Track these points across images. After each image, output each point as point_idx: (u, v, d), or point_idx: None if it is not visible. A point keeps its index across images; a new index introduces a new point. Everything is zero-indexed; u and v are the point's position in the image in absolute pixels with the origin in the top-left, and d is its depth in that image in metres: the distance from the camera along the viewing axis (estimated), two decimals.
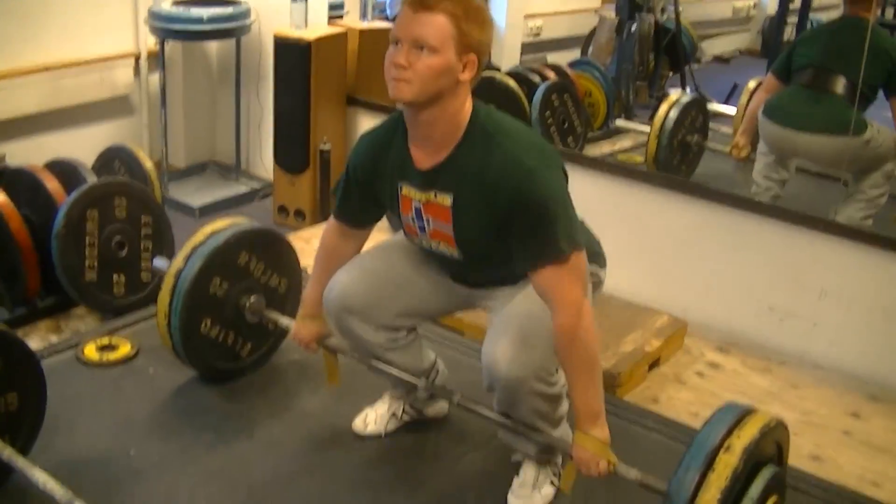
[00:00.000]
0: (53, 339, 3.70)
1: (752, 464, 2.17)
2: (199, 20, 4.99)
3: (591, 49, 6.38)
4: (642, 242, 4.21)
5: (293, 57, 4.89)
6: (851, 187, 4.36)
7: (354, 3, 5.34)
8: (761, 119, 4.54)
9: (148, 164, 4.42)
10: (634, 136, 5.57)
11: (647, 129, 5.12)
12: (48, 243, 3.69)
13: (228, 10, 5.09)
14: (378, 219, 2.77)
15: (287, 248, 3.33)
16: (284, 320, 3.16)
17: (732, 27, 7.23)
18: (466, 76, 2.32)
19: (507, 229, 2.36)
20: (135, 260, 3.92)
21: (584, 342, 2.37)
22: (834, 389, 3.70)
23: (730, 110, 5.57)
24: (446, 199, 2.42)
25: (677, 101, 5.10)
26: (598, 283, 2.70)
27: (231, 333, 3.20)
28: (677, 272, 4.20)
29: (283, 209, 5.09)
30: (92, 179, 4.03)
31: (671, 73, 6.21)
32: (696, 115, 5.16)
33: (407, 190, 2.50)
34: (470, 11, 2.30)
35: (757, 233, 3.99)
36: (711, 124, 5.34)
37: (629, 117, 5.84)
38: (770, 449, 2.31)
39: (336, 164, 4.89)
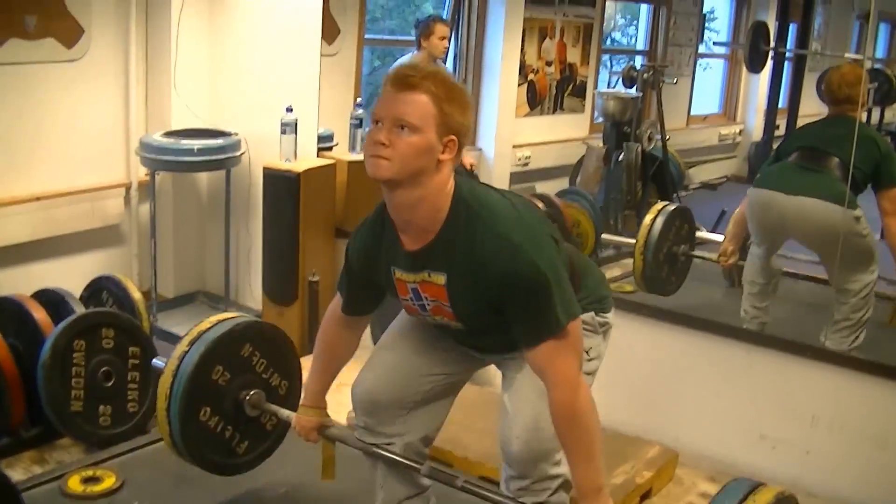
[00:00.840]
0: (37, 470, 3.65)
1: None
2: (190, 152, 5.02)
3: (579, 178, 6.43)
4: (632, 372, 4.19)
5: (282, 188, 4.91)
6: (836, 305, 4.33)
7: (343, 135, 5.40)
8: (751, 193, 4.55)
9: (136, 295, 4.41)
10: (623, 265, 5.57)
11: (632, 241, 5.12)
12: (34, 373, 3.67)
13: (219, 141, 5.14)
14: (376, 306, 2.80)
15: (290, 350, 3.31)
16: (284, 413, 3.12)
17: (719, 154, 7.31)
18: (446, 157, 2.35)
19: (502, 305, 2.37)
20: (121, 391, 3.89)
21: (582, 418, 2.37)
22: None
23: (718, 237, 5.59)
24: (440, 279, 2.44)
25: (662, 209, 5.10)
26: (607, 330, 2.78)
27: (229, 427, 3.14)
28: (667, 401, 4.17)
29: None
30: (80, 310, 4.02)
31: (659, 202, 6.25)
32: (681, 225, 5.15)
33: (399, 274, 2.52)
34: (452, 93, 2.34)
35: (746, 361, 3.98)
36: (701, 251, 5.35)
37: (618, 248, 5.85)
38: None
39: (324, 295, 4.88)
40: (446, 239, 2.40)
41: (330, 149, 5.38)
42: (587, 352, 2.63)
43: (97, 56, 5.17)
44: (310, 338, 4.94)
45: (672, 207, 5.13)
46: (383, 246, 2.56)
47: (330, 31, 5.36)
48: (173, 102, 5.39)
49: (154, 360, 3.31)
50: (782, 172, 4.46)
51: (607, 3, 7.22)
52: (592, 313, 2.71)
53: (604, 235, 5.67)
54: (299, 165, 4.92)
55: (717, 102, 7.56)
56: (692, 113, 7.39)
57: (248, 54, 5.38)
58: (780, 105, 6.31)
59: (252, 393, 3.13)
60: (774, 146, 5.90)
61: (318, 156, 5.18)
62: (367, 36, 5.80)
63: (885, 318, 4.52)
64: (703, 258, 5.18)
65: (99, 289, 4.53)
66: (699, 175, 6.81)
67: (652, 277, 5.00)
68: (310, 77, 5.13)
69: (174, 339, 4.98)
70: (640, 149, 6.15)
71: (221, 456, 3.18)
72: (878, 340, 4.33)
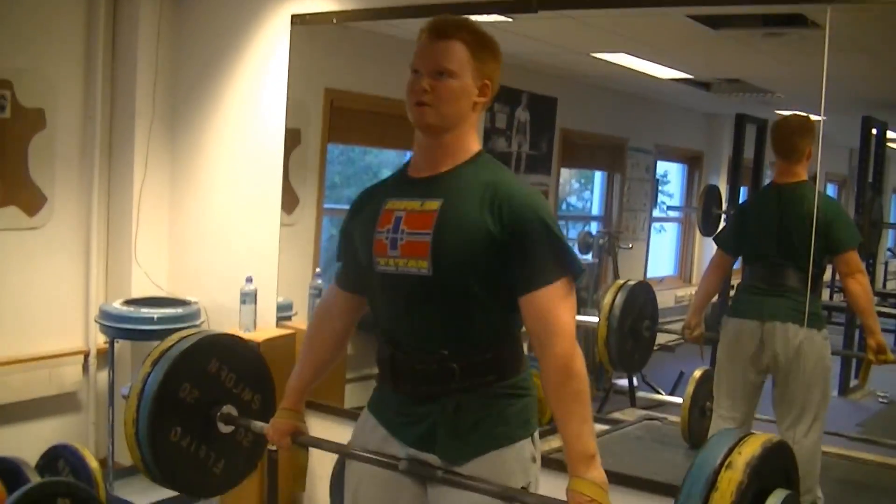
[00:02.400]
0: None
1: (758, 484, 2.07)
2: (150, 320, 5.04)
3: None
4: None
5: None
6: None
7: (302, 304, 5.43)
8: (725, 323, 4.56)
9: (93, 464, 4.39)
10: None
11: (595, 319, 5.12)
12: None
13: (178, 310, 5.16)
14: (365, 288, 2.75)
15: (260, 363, 3.26)
16: (257, 424, 3.03)
17: (675, 316, 7.35)
18: (482, 99, 2.55)
19: (502, 245, 2.40)
20: None
21: (579, 373, 2.38)
22: None
23: (678, 400, 5.60)
24: (434, 204, 2.48)
25: (623, 285, 5.14)
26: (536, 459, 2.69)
27: (203, 447, 3.06)
28: None
29: None
30: (35, 479, 4.00)
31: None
32: (644, 301, 5.21)
33: (392, 203, 2.56)
34: (484, 41, 2.56)
35: None
36: (659, 413, 5.36)
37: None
38: (777, 473, 2.21)
39: (283, 466, 4.82)
40: (462, 172, 2.54)
41: (289, 318, 5.40)
42: (528, 486, 2.59)
43: (59, 224, 5.24)
44: None
45: (633, 283, 5.18)
46: (384, 189, 2.66)
47: (289, 201, 5.43)
48: (133, 271, 5.44)
49: (122, 389, 3.22)
50: (752, 299, 4.48)
51: (562, 170, 7.34)
52: (528, 439, 2.62)
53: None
54: (259, 335, 4.94)
55: (672, 265, 7.64)
56: (648, 276, 7.46)
57: (209, 224, 5.45)
58: (734, 266, 6.40)
59: (224, 408, 3.06)
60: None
61: (277, 325, 5.20)
62: (325, 205, 5.86)
63: (843, 473, 4.51)
64: (667, 331, 5.19)
65: (55, 457, 4.50)
66: (658, 338, 6.87)
67: (617, 349, 5.02)
68: (270, 247, 5.19)
69: None
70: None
71: (197, 476, 3.11)
72: (839, 496, 4.34)
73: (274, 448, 3.19)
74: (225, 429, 3.10)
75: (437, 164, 2.57)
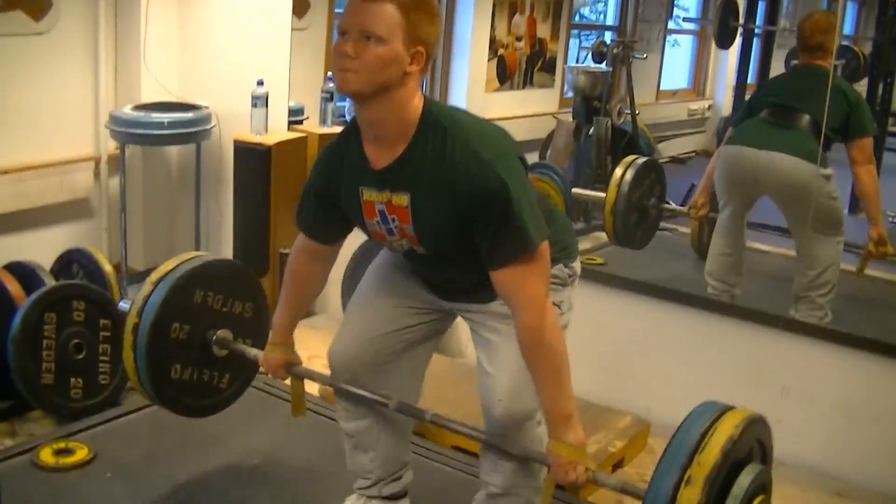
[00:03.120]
0: (8, 443, 3.67)
1: (732, 462, 2.12)
2: (160, 125, 5.00)
3: (549, 153, 6.44)
4: (603, 344, 4.22)
5: (253, 162, 4.91)
6: (801, 275, 4.36)
7: (314, 108, 5.39)
8: (722, 150, 4.60)
9: (107, 268, 4.40)
10: (593, 238, 5.58)
11: (603, 195, 5.10)
12: (5, 346, 3.66)
13: (189, 115, 5.11)
14: (345, 234, 2.76)
15: (242, 273, 3.27)
16: (252, 352, 3.08)
17: (688, 129, 7.33)
18: (414, 68, 2.31)
19: (469, 225, 2.34)
20: (93, 363, 3.89)
21: (551, 342, 2.36)
22: (798, 486, 3.69)
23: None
24: (403, 199, 2.41)
25: (633, 162, 5.09)
26: (573, 277, 2.73)
27: (205, 371, 3.13)
28: (638, 372, 4.21)
29: None
30: (50, 282, 4.01)
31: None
32: (653, 179, 5.15)
33: (367, 194, 2.48)
34: (419, 2, 2.30)
35: (717, 332, 4.02)
36: (670, 225, 5.37)
37: (588, 220, 5.85)
38: (751, 447, 2.25)
39: (300, 200, 4.89)
40: (413, 155, 2.37)
41: (301, 122, 5.38)
42: (559, 305, 2.60)
43: (66, 29, 5.12)
44: None
45: (642, 161, 5.12)
46: (348, 167, 2.52)
47: (300, 4, 5.35)
48: (143, 76, 5.35)
49: (120, 304, 3.25)
50: (754, 128, 4.49)
51: None
52: (561, 265, 2.66)
53: (574, 190, 5.62)
54: (270, 139, 4.91)
55: (686, 78, 7.57)
56: (662, 88, 7.41)
57: (219, 28, 5.35)
58: (748, 81, 6.33)
59: (217, 333, 3.09)
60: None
61: (288, 129, 5.18)
62: (337, 10, 5.76)
63: (852, 290, 4.54)
64: (673, 209, 5.19)
65: (69, 262, 4.53)
66: (668, 150, 6.84)
67: (622, 229, 5.00)
68: (280, 51, 5.11)
69: None
70: (609, 123, 6.17)
71: (206, 399, 3.17)
72: (845, 312, 4.36)
73: (286, 251, 3.20)
74: (221, 353, 3.13)
75: (385, 146, 2.41)
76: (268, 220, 4.91)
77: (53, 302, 3.80)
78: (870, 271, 4.83)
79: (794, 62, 4.92)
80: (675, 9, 7.59)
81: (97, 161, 5.35)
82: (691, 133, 7.26)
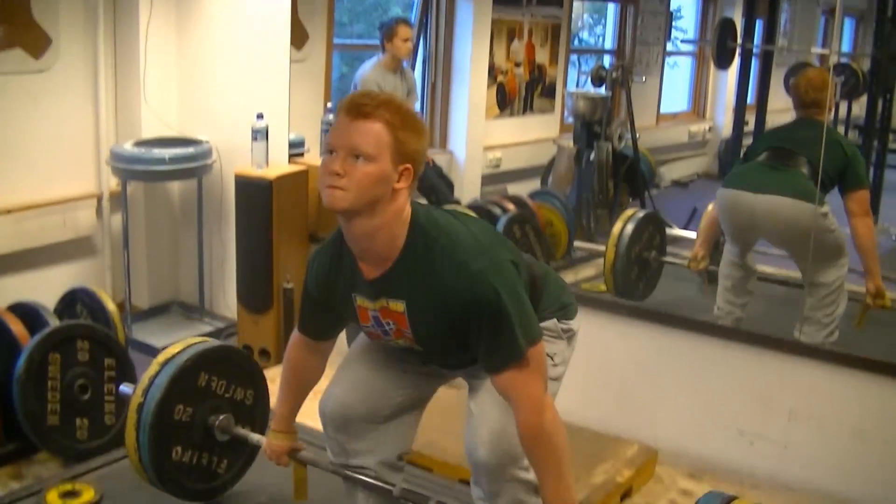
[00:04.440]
0: (14, 486, 3.63)
1: None
2: (161, 161, 5.01)
3: (550, 179, 6.44)
4: (609, 371, 4.21)
5: (255, 196, 4.89)
6: (808, 298, 4.33)
7: (315, 140, 5.39)
8: (720, 193, 4.56)
9: (111, 306, 4.40)
10: (596, 264, 5.58)
11: (602, 247, 5.11)
12: (10, 388, 3.64)
13: (190, 150, 5.12)
14: (340, 330, 2.82)
15: (245, 360, 3.34)
16: (254, 437, 3.14)
17: (689, 151, 7.33)
18: (402, 185, 2.34)
19: (465, 331, 2.37)
20: (98, 403, 3.87)
21: (550, 436, 2.39)
22: None
23: (690, 234, 5.60)
24: (399, 306, 2.44)
25: (632, 216, 5.10)
26: (571, 336, 2.76)
27: (205, 455, 3.17)
28: (645, 400, 4.19)
29: (247, 348, 5.03)
30: (54, 322, 4.01)
31: (631, 200, 6.27)
32: (653, 231, 5.17)
33: (361, 301, 2.52)
34: (406, 120, 2.34)
35: (722, 357, 4.00)
36: (673, 248, 5.36)
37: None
38: None
39: (299, 303, 4.87)
40: (404, 266, 2.40)
41: (301, 155, 5.36)
42: (552, 357, 2.63)
43: (65, 66, 5.15)
44: (285, 345, 4.90)
45: (641, 214, 5.15)
46: (342, 274, 2.55)
47: (299, 36, 5.35)
48: (143, 111, 5.37)
49: (121, 388, 3.28)
50: (751, 172, 4.49)
51: (574, 3, 7.23)
52: (555, 320, 2.70)
53: (575, 243, 5.68)
54: (271, 172, 4.91)
55: (685, 100, 7.57)
56: (661, 111, 7.41)
57: (218, 61, 5.37)
58: (748, 101, 6.33)
59: (220, 418, 3.16)
60: (744, 143, 5.96)
61: (289, 162, 5.16)
62: (335, 41, 5.78)
63: (854, 319, 4.53)
64: (673, 263, 5.20)
65: (73, 301, 4.51)
66: (670, 173, 6.85)
67: (622, 279, 5.00)
68: (280, 83, 5.11)
69: (150, 350, 5.00)
70: (610, 148, 6.17)
71: (204, 482, 3.22)
72: (850, 334, 4.34)
73: (289, 286, 3.21)
74: (222, 437, 3.19)
75: (375, 259, 2.44)
76: (270, 254, 4.89)
77: (57, 342, 3.78)
78: None
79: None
80: (673, 30, 7.59)
81: (99, 198, 5.36)
82: (693, 156, 7.26)
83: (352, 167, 2.27)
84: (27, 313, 4.07)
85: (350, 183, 2.27)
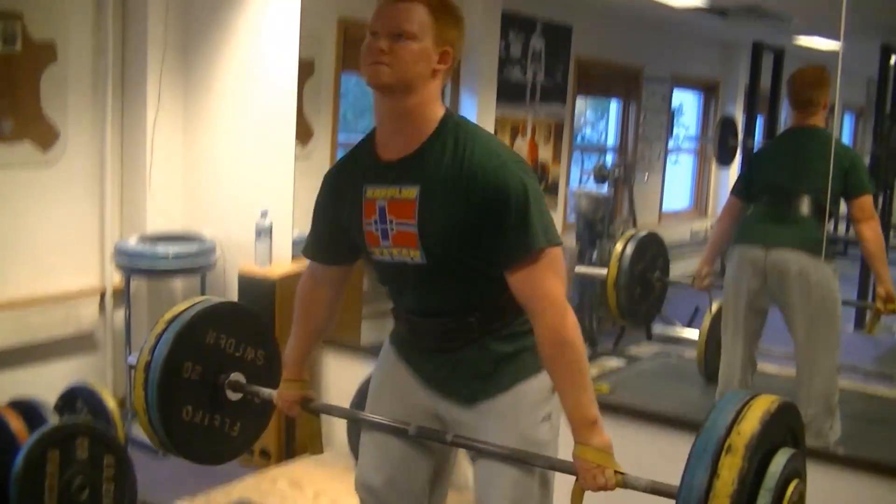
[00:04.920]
0: None
1: (769, 438, 2.10)
2: (165, 257, 5.03)
3: None
4: None
5: (258, 294, 4.90)
6: (802, 391, 4.29)
7: None
8: (733, 251, 4.54)
9: (111, 404, 4.38)
10: (599, 365, 5.58)
11: (604, 270, 5.15)
12: (8, 485, 3.62)
13: (194, 247, 5.14)
14: (349, 259, 2.78)
15: (254, 319, 3.27)
16: (266, 392, 3.05)
17: (691, 249, 7.34)
18: (441, 67, 2.45)
19: (481, 224, 2.38)
20: (97, 502, 3.83)
21: (573, 341, 2.37)
22: None
23: (693, 333, 5.59)
24: (411, 192, 2.45)
25: (634, 235, 5.15)
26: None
27: (217, 416, 3.09)
28: None
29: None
30: (53, 420, 3.99)
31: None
32: (656, 252, 5.22)
33: (371, 191, 2.53)
34: (447, 5, 2.47)
35: None
36: (676, 347, 5.36)
37: (594, 346, 5.84)
38: (782, 432, 2.22)
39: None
40: (430, 149, 2.46)
41: None
42: (549, 416, 2.62)
43: (73, 160, 5.21)
44: (286, 447, 4.89)
45: (643, 234, 5.20)
46: (357, 167, 2.60)
47: (304, 133, 5.40)
48: (148, 207, 5.42)
49: (129, 358, 3.22)
50: (757, 224, 4.47)
51: (577, 100, 7.29)
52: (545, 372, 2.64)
53: (577, 268, 5.68)
54: (274, 270, 4.92)
55: (688, 197, 7.60)
56: (664, 209, 7.44)
57: (223, 158, 5.42)
58: None
59: (230, 377, 3.08)
60: None
61: (293, 260, 5.17)
62: (340, 137, 5.82)
63: (858, 409, 4.50)
64: (677, 283, 5.23)
65: (73, 397, 4.50)
66: (673, 271, 6.86)
67: (627, 303, 5.04)
68: (284, 180, 5.16)
69: (150, 448, 4.94)
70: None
71: (217, 445, 3.14)
72: (853, 433, 4.32)
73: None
74: (234, 396, 3.11)
75: (402, 141, 2.48)
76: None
77: (57, 440, 3.76)
78: (876, 390, 4.81)
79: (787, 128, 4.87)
80: (674, 128, 7.65)
81: (102, 293, 5.38)
82: (694, 254, 7.28)
83: (396, 45, 2.38)
84: (27, 410, 4.06)
85: (394, 59, 2.37)
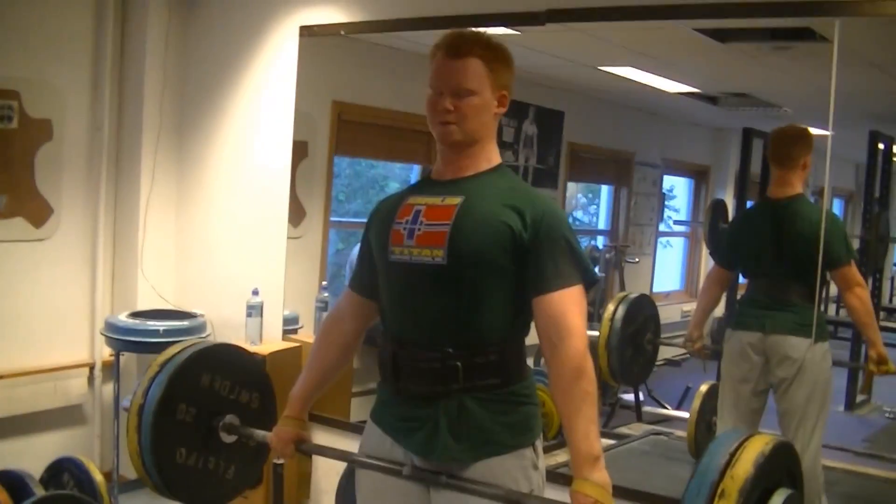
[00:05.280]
0: None
1: (764, 479, 2.09)
2: (156, 333, 5.02)
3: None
4: None
5: None
6: None
7: (309, 317, 5.42)
8: (729, 336, 4.52)
9: (98, 477, 4.38)
10: None
11: (595, 333, 5.10)
12: None
13: (185, 323, 5.14)
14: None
15: (250, 361, 3.28)
16: (260, 434, 3.03)
17: (682, 331, 7.34)
18: (500, 110, 2.63)
19: (518, 237, 2.47)
20: None
21: (590, 373, 2.43)
22: None
23: (684, 414, 5.57)
24: (455, 200, 2.55)
25: (626, 297, 5.16)
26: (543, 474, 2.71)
27: (211, 459, 3.06)
28: None
29: None
30: (40, 492, 3.98)
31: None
32: (647, 315, 5.23)
33: (413, 199, 2.63)
34: (498, 53, 2.62)
35: None
36: (666, 427, 5.34)
37: None
38: (781, 472, 2.22)
39: (290, 481, 4.81)
40: (484, 177, 2.61)
41: (295, 331, 5.38)
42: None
43: (65, 236, 5.24)
44: (275, 497, 4.84)
45: (635, 295, 5.20)
46: (406, 192, 2.72)
47: (296, 213, 5.43)
48: (139, 283, 5.44)
49: (123, 402, 3.19)
50: (752, 312, 4.43)
51: (569, 184, 7.34)
52: (530, 447, 2.65)
53: None
54: (265, 348, 4.93)
55: (678, 279, 7.63)
56: (654, 290, 7.45)
57: (216, 236, 5.46)
58: (739, 281, 6.39)
59: (225, 419, 3.05)
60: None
61: (283, 338, 5.18)
62: (332, 218, 5.86)
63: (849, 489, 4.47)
64: (669, 344, 5.26)
65: (60, 470, 4.50)
66: (663, 352, 6.86)
67: (618, 364, 5.04)
68: (276, 260, 5.18)
69: None
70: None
71: (211, 487, 3.12)
72: None
73: (280, 462, 3.20)
74: (228, 439, 3.08)
75: (460, 169, 2.63)
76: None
77: None
78: (866, 469, 4.78)
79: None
80: (665, 211, 7.69)
81: (91, 367, 5.38)
82: (685, 335, 7.29)
83: (460, 102, 2.54)
84: (13, 482, 4.06)
85: (460, 117, 2.54)
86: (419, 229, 2.57)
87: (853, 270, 4.25)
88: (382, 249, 2.64)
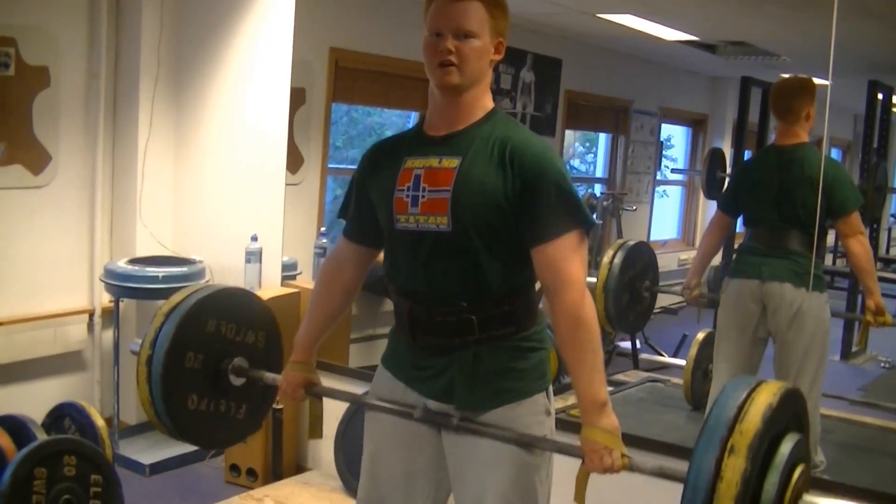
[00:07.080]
0: None
1: (773, 430, 2.11)
2: (155, 279, 5.02)
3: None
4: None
5: None
6: None
7: (307, 263, 5.44)
8: (728, 283, 4.51)
9: (99, 422, 4.40)
10: None
11: (593, 280, 5.09)
12: None
13: (183, 269, 5.14)
14: (377, 242, 2.77)
15: (254, 301, 3.26)
16: (269, 376, 3.03)
17: (679, 279, 7.37)
18: (497, 57, 2.59)
19: (516, 196, 2.46)
20: None
21: (590, 322, 2.41)
22: None
23: (680, 362, 5.62)
24: (452, 162, 2.53)
25: (623, 244, 5.17)
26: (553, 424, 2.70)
27: (222, 402, 3.07)
28: None
29: (234, 468, 5.00)
30: (42, 437, 4.00)
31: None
32: (645, 262, 5.25)
33: (410, 162, 2.59)
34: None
35: None
36: (662, 375, 5.37)
37: None
38: (788, 419, 2.23)
39: (288, 424, 4.85)
40: (478, 129, 2.56)
41: (294, 277, 5.40)
42: (537, 470, 2.62)
43: (64, 183, 5.22)
44: (273, 468, 4.90)
45: (633, 243, 5.21)
46: (400, 143, 2.68)
47: (294, 160, 5.44)
48: (138, 230, 5.43)
49: (131, 346, 3.20)
50: (751, 260, 4.42)
51: (566, 132, 7.35)
52: (543, 393, 2.64)
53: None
54: (264, 294, 4.92)
55: (675, 228, 7.65)
56: (652, 239, 7.48)
57: (214, 183, 5.44)
58: (736, 230, 6.41)
59: (233, 362, 3.05)
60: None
61: (282, 284, 5.20)
62: (330, 165, 5.86)
63: (844, 437, 4.51)
64: (666, 292, 5.31)
65: (61, 415, 4.51)
66: (660, 300, 6.89)
67: (615, 310, 5.06)
68: (274, 206, 5.18)
69: (137, 466, 4.97)
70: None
71: (224, 429, 3.13)
72: (839, 460, 4.35)
73: (279, 407, 3.19)
74: (237, 381, 3.08)
75: (453, 121, 2.58)
76: None
77: (44, 457, 3.76)
78: (861, 417, 4.82)
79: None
80: (663, 160, 7.70)
81: (91, 314, 5.38)
82: (682, 283, 7.31)
83: (461, 45, 2.49)
84: (14, 427, 4.07)
85: (461, 60, 2.49)
86: (423, 196, 2.54)
87: (858, 217, 4.23)
88: (388, 216, 2.62)
